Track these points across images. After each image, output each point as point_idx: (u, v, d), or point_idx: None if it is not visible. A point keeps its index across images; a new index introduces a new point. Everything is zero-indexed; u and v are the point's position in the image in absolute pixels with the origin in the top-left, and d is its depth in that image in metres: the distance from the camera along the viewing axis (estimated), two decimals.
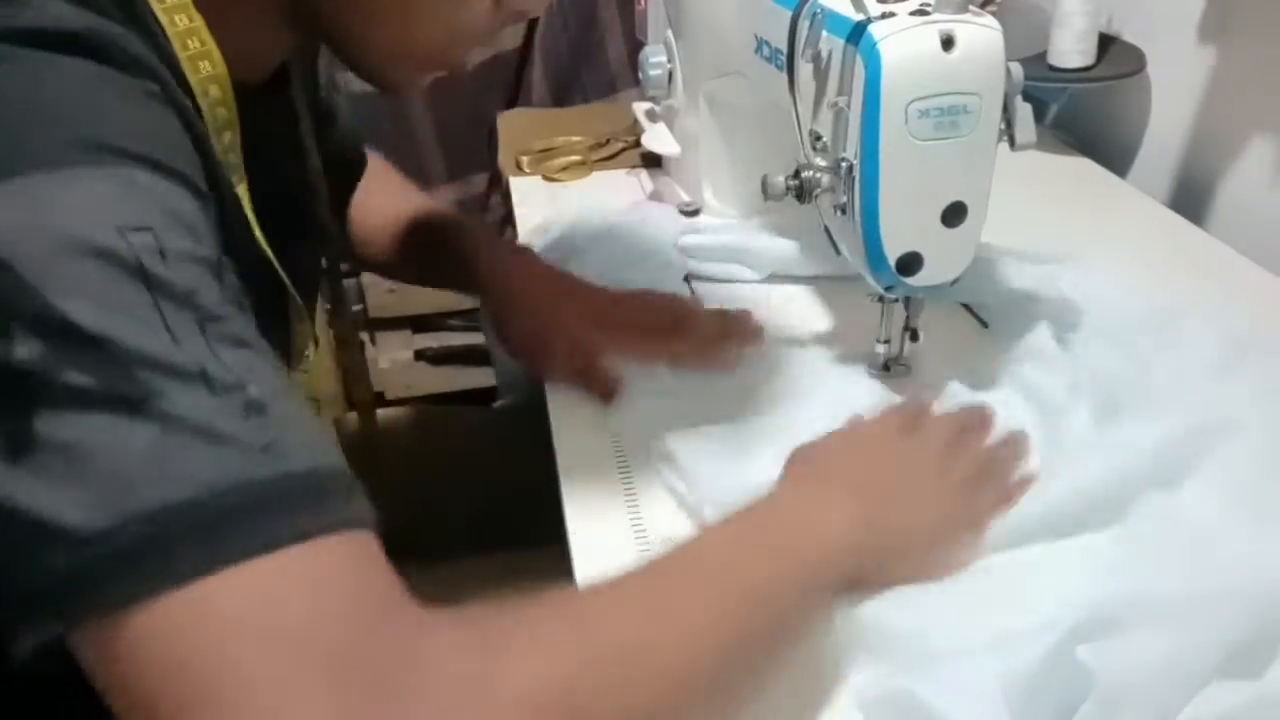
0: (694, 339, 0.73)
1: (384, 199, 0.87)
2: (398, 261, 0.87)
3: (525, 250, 0.83)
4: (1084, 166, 1.06)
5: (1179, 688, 0.44)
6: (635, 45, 1.09)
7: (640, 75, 1.04)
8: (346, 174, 0.83)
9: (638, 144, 1.12)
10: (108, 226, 0.36)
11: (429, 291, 1.73)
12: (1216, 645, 0.45)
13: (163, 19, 0.47)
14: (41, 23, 0.40)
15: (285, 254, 0.56)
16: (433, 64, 0.59)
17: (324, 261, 0.67)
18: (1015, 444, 0.62)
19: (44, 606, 0.34)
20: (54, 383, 0.34)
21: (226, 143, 0.51)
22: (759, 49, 0.73)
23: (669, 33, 1.02)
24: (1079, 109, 1.12)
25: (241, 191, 0.52)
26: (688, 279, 0.87)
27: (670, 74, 1.03)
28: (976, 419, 0.64)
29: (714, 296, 0.83)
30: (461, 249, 0.82)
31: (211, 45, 0.49)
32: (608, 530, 0.60)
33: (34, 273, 0.35)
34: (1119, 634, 0.45)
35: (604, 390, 0.70)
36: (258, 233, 0.53)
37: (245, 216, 0.52)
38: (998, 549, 0.55)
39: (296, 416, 0.38)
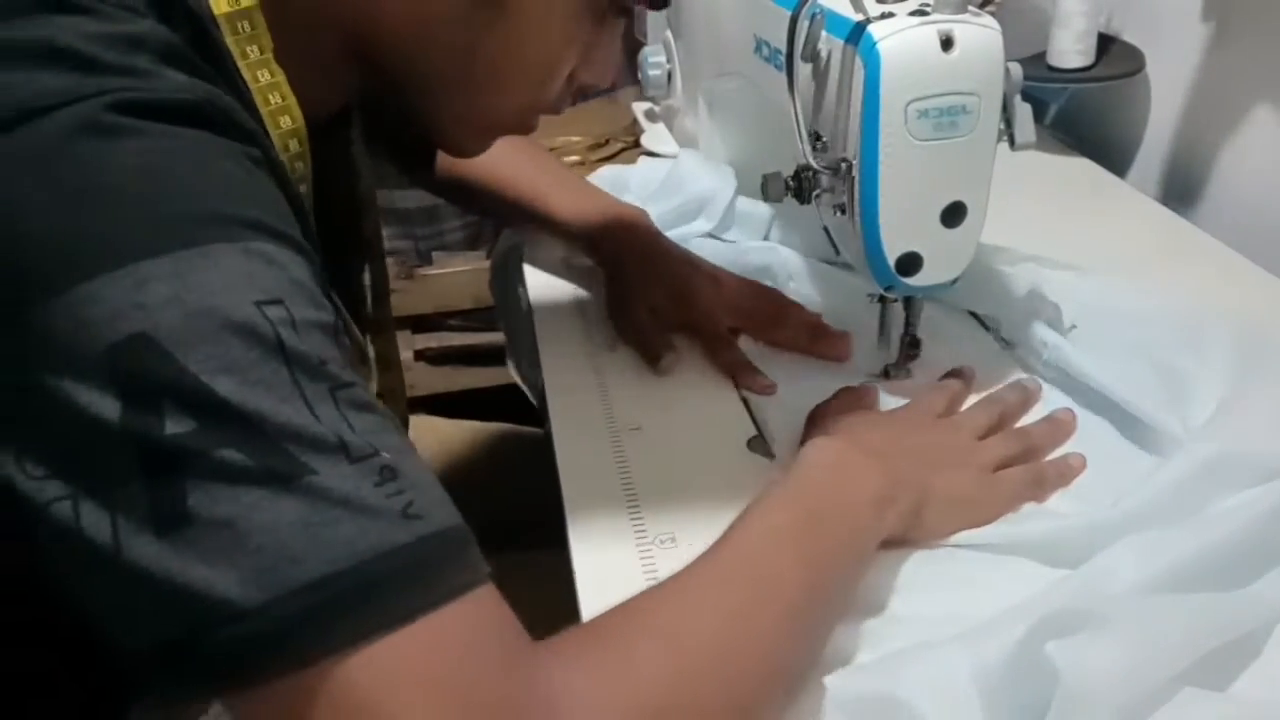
0: (794, 330, 0.75)
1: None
2: (510, 214, 0.90)
3: (642, 215, 0.84)
4: (1083, 166, 1.06)
5: (1145, 692, 0.43)
6: (632, 48, 1.09)
7: (640, 75, 1.04)
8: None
9: (637, 144, 1.12)
10: (246, 302, 0.37)
11: (428, 292, 1.75)
12: (1185, 651, 0.44)
13: (246, 74, 0.48)
14: (165, 95, 0.40)
15: (339, 285, 0.56)
16: (505, 132, 0.61)
17: (368, 278, 0.67)
18: (1059, 425, 0.64)
19: (211, 674, 0.36)
20: (207, 459, 0.35)
21: (303, 193, 0.52)
22: (758, 49, 0.74)
23: (668, 33, 1.02)
24: (1078, 109, 1.12)
25: None
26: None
27: (669, 74, 1.03)
28: (1017, 399, 0.66)
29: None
30: (584, 215, 0.84)
31: (292, 100, 0.50)
32: (607, 530, 0.60)
33: (180, 350, 0.36)
34: (1087, 630, 0.44)
35: (654, 358, 0.73)
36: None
37: (322, 264, 0.52)
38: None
39: (421, 475, 0.39)
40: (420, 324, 1.79)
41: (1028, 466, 0.61)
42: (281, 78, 0.49)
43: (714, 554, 0.47)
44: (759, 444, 0.66)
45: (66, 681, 0.51)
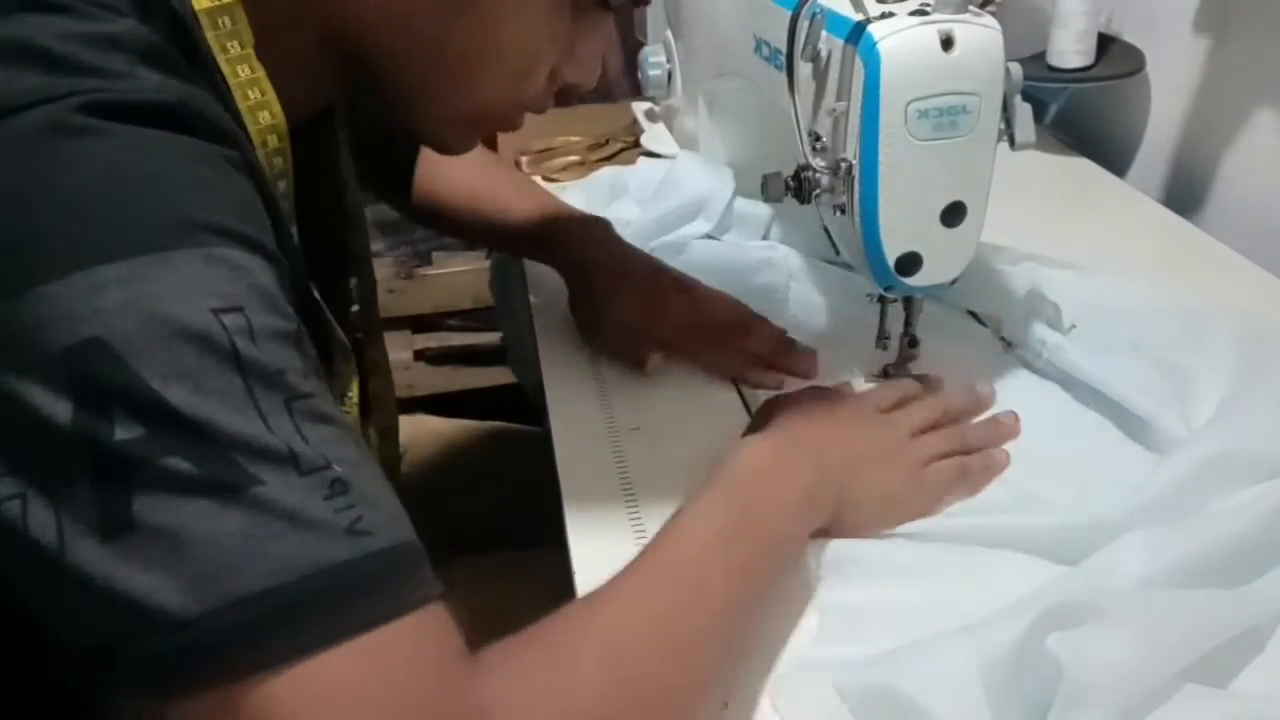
0: (760, 340, 0.74)
1: (458, 169, 0.86)
2: (476, 230, 0.89)
3: (604, 225, 0.82)
4: (1083, 166, 1.06)
5: (1147, 687, 0.43)
6: (632, 51, 1.09)
7: (639, 75, 1.04)
8: (406, 145, 0.84)
9: (637, 144, 1.12)
10: (202, 309, 0.37)
11: (428, 292, 1.75)
12: (1188, 647, 0.45)
13: (225, 70, 0.48)
14: (139, 96, 0.40)
15: (323, 287, 0.56)
16: (487, 128, 0.61)
17: (354, 288, 0.67)
18: (1000, 426, 0.65)
19: (142, 681, 0.36)
20: (153, 467, 0.35)
21: (282, 190, 0.52)
22: (758, 49, 0.74)
23: (668, 33, 1.02)
24: (1078, 109, 1.12)
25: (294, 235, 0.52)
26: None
27: (669, 74, 1.03)
28: (965, 403, 0.66)
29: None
30: (545, 226, 0.83)
31: (271, 96, 0.49)
32: (607, 530, 0.60)
33: (133, 356, 0.35)
34: (1089, 624, 0.44)
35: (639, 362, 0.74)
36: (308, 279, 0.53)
37: (303, 264, 0.52)
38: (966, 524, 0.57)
39: (374, 490, 0.39)
40: (420, 324, 1.79)
41: (952, 461, 0.61)
42: (262, 73, 0.49)
43: (645, 560, 0.48)
44: None
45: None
